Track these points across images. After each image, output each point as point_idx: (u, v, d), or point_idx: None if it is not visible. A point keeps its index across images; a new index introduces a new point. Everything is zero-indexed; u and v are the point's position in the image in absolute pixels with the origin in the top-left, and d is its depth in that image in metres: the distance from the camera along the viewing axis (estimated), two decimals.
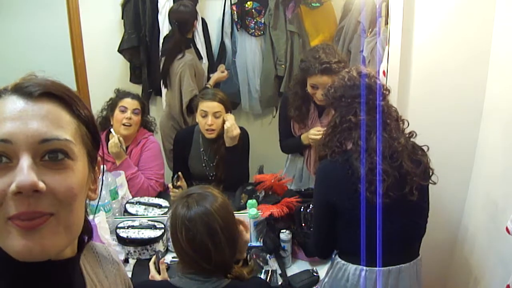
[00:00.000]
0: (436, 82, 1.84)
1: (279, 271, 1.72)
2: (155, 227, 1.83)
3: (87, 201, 0.63)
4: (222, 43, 2.79)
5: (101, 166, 0.67)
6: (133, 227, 1.83)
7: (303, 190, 2.03)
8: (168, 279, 1.39)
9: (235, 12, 2.70)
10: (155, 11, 2.65)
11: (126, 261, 1.79)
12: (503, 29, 1.70)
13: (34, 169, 0.52)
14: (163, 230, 1.81)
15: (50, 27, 2.70)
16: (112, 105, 2.18)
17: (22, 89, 0.57)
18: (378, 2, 2.10)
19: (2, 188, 0.51)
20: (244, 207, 1.93)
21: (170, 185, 2.09)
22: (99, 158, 0.65)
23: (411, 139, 1.48)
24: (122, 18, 2.68)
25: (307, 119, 2.09)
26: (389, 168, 1.36)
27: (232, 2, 2.69)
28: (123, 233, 1.79)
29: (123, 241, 1.78)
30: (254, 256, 1.73)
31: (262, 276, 1.65)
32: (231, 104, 2.32)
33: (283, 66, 2.70)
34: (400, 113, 1.51)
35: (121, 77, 2.79)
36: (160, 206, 2.01)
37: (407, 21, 1.78)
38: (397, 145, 1.39)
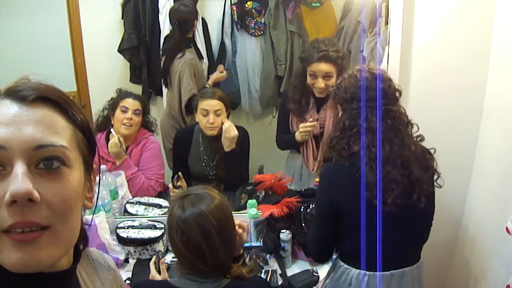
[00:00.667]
0: (436, 82, 1.84)
1: (279, 271, 1.72)
2: (155, 227, 1.83)
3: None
4: (222, 43, 2.79)
5: (101, 166, 0.66)
6: (133, 227, 1.83)
7: (303, 190, 2.03)
8: (168, 279, 1.39)
9: (235, 12, 2.70)
10: (155, 11, 2.65)
11: (126, 261, 1.79)
12: (503, 29, 1.70)
13: (29, 177, 0.50)
14: (163, 230, 1.81)
15: (50, 27, 2.70)
16: (113, 105, 2.18)
17: (15, 93, 0.54)
18: (378, 2, 2.10)
19: None
20: (244, 207, 1.93)
21: (170, 185, 2.09)
22: (95, 166, 0.63)
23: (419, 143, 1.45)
24: (122, 18, 2.68)
25: (306, 113, 2.10)
26: (399, 176, 1.33)
27: (232, 2, 2.69)
28: (123, 233, 1.79)
29: (123, 241, 1.78)
30: (254, 256, 1.73)
31: (262, 276, 1.65)
32: (231, 104, 2.32)
33: (283, 66, 2.70)
34: None
35: (121, 77, 2.79)
36: (160, 206, 2.01)
37: (407, 21, 1.78)
38: (408, 153, 1.35)
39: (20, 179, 0.49)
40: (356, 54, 2.39)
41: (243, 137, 2.20)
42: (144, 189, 2.13)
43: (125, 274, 1.72)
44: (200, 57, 2.68)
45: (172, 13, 2.54)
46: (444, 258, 2.12)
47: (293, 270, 1.74)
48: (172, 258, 1.73)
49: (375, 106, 1.34)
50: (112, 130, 2.14)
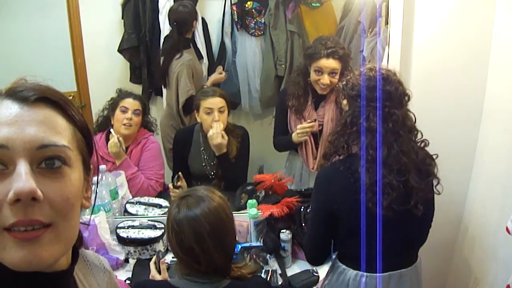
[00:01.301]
0: (436, 82, 1.84)
1: (279, 271, 1.72)
2: (155, 227, 1.83)
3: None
4: (222, 43, 2.79)
5: (101, 166, 0.67)
6: (133, 227, 1.83)
7: (303, 190, 2.03)
8: (169, 279, 1.39)
9: (235, 12, 2.69)
10: (155, 11, 2.64)
11: (126, 261, 1.79)
12: (503, 29, 1.70)
13: (32, 176, 0.51)
14: (163, 230, 1.81)
15: (50, 27, 2.69)
16: (113, 104, 2.18)
17: (16, 94, 0.55)
18: (378, 2, 2.10)
19: None
20: (244, 207, 1.93)
21: (170, 185, 2.09)
22: (92, 166, 0.64)
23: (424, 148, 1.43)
24: (122, 18, 2.68)
25: (304, 110, 2.11)
26: (394, 181, 1.31)
27: (232, 2, 2.69)
28: (123, 233, 1.79)
29: (123, 241, 1.78)
30: (254, 256, 1.73)
31: (262, 276, 1.65)
32: (231, 104, 2.32)
33: (283, 66, 2.70)
34: None
35: (121, 77, 2.78)
36: (160, 206, 2.01)
37: (407, 21, 1.79)
38: (407, 160, 1.33)
39: (24, 178, 0.50)
40: (356, 54, 2.38)
41: (243, 137, 2.20)
42: (144, 189, 2.13)
43: (125, 274, 1.72)
44: (200, 57, 2.67)
45: (170, 13, 2.53)
46: (444, 258, 2.12)
47: (293, 270, 1.75)
48: (172, 258, 1.73)
49: (377, 107, 1.32)
50: (112, 130, 2.14)
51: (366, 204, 1.31)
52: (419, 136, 1.43)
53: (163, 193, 2.21)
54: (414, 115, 1.42)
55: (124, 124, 2.12)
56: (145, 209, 2.00)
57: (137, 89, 2.71)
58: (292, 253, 1.79)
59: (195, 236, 1.16)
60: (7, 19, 2.65)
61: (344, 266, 1.46)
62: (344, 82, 1.45)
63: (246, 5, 2.68)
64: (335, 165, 1.40)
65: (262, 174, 2.08)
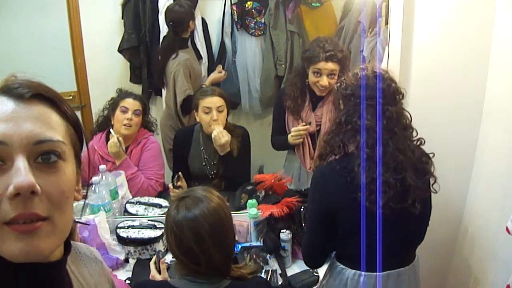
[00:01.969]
0: (436, 82, 1.85)
1: (279, 271, 1.72)
2: (155, 227, 1.83)
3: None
4: (222, 43, 2.79)
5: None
6: (133, 227, 1.83)
7: (303, 189, 2.03)
8: (169, 279, 1.39)
9: (235, 12, 2.69)
10: (155, 11, 2.64)
11: (126, 261, 1.79)
12: (503, 29, 1.70)
13: (30, 170, 0.53)
14: (163, 230, 1.81)
15: (50, 27, 2.69)
16: (113, 104, 2.18)
17: (12, 91, 0.56)
18: (378, 2, 2.10)
19: None
20: (244, 207, 1.93)
21: (170, 185, 2.09)
22: (82, 160, 0.67)
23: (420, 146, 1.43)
24: (122, 18, 2.68)
25: (302, 111, 2.11)
26: (391, 179, 1.31)
27: (232, 2, 2.69)
28: (123, 233, 1.79)
29: (123, 241, 1.78)
30: (254, 256, 1.73)
31: (262, 276, 1.65)
32: (231, 104, 2.32)
33: (283, 66, 2.70)
34: None
35: (121, 77, 2.78)
36: (160, 206, 2.02)
37: (407, 21, 1.79)
38: (402, 158, 1.32)
39: (23, 173, 0.52)
40: (356, 54, 2.39)
41: (244, 137, 2.20)
42: (144, 189, 2.13)
43: (125, 274, 1.73)
44: (199, 57, 2.67)
45: (167, 13, 2.52)
46: (444, 258, 2.12)
47: (293, 270, 1.75)
48: (172, 258, 1.73)
49: (371, 104, 1.33)
50: (111, 130, 2.14)
51: (364, 203, 1.31)
52: (414, 134, 1.43)
53: (163, 193, 2.21)
54: (410, 114, 1.42)
55: (124, 124, 2.12)
56: (145, 209, 2.00)
57: (137, 89, 2.71)
58: (292, 253, 1.79)
59: (194, 237, 1.16)
60: (7, 19, 2.65)
61: (342, 266, 1.45)
62: (338, 84, 1.47)
63: (246, 5, 2.68)
64: (331, 165, 1.40)
65: (262, 174, 2.09)
